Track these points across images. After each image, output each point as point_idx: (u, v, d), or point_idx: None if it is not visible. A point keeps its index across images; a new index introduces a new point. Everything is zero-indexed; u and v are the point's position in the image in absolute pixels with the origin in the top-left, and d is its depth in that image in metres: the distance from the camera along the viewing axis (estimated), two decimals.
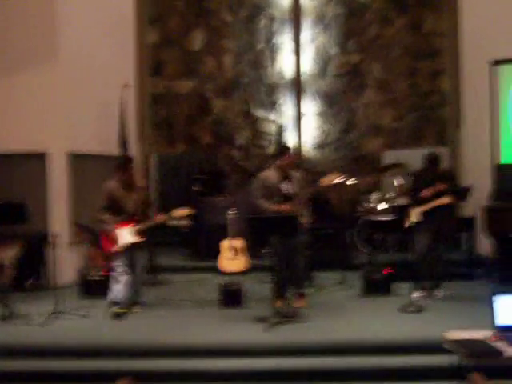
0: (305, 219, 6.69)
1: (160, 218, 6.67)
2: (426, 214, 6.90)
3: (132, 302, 6.79)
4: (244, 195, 10.07)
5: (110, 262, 8.51)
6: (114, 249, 6.59)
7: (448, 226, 7.02)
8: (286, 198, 6.64)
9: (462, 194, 7.05)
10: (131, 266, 6.72)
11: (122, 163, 6.76)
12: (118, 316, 6.51)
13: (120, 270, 6.64)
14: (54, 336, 5.84)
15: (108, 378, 4.88)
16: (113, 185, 6.73)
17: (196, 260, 9.46)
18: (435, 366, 5.02)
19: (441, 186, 6.85)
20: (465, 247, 8.91)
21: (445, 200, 6.78)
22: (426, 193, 6.89)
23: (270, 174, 6.77)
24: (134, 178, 6.80)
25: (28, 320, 6.29)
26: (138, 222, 6.62)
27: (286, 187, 6.69)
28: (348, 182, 7.28)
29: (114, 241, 6.57)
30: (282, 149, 7.00)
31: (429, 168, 7.08)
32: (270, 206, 6.59)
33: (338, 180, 6.69)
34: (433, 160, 7.05)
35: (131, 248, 6.63)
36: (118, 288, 6.65)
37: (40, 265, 8.15)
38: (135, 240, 6.59)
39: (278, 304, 6.56)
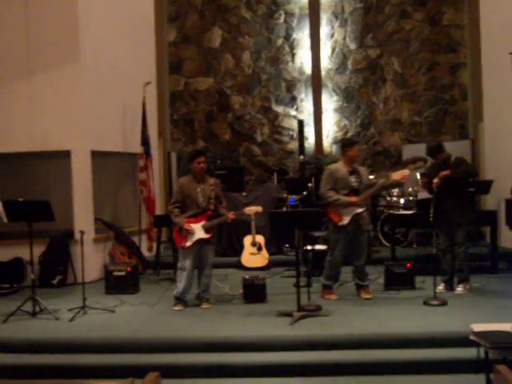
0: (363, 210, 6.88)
1: (231, 215, 6.71)
2: (439, 206, 6.82)
3: (200, 298, 6.85)
4: (265, 191, 10.14)
5: (133, 258, 8.69)
6: (184, 244, 6.65)
7: (462, 219, 6.97)
8: (353, 190, 6.79)
9: (461, 178, 6.97)
10: (200, 262, 6.78)
11: (192, 156, 6.77)
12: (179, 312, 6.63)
13: (187, 265, 6.68)
14: (82, 331, 5.92)
15: (135, 372, 4.94)
16: (185, 179, 6.84)
17: (218, 255, 9.51)
18: (461, 358, 5.02)
19: (443, 173, 6.83)
20: (488, 240, 8.89)
21: (436, 185, 6.77)
22: (434, 182, 6.88)
23: (340, 167, 6.89)
24: (205, 170, 6.80)
25: (56, 316, 6.38)
26: (209, 217, 6.68)
27: (354, 180, 6.83)
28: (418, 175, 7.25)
29: (184, 236, 6.63)
30: (349, 142, 7.10)
31: (433, 158, 7.09)
32: (341, 198, 6.73)
33: (408, 174, 6.80)
34: (430, 150, 7.05)
35: (201, 244, 6.68)
36: (182, 284, 6.70)
37: (66, 261, 8.27)
38: (204, 236, 6.64)
39: (333, 296, 6.91)
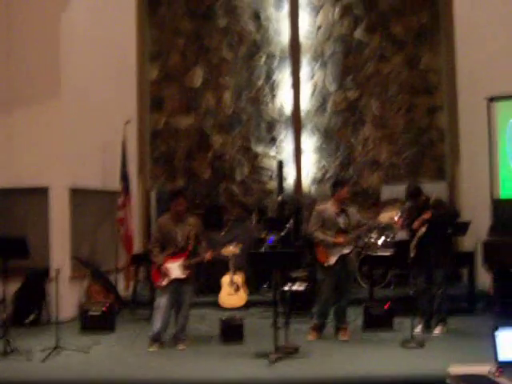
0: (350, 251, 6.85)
1: (208, 255, 6.68)
2: (419, 248, 6.88)
3: (177, 338, 6.75)
4: (244, 230, 10.12)
5: (110, 297, 8.57)
6: (162, 282, 6.59)
7: (442, 260, 7.01)
8: (341, 231, 6.77)
9: (443, 220, 7.04)
10: (178, 302, 6.71)
11: (172, 195, 6.82)
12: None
13: (163, 304, 6.60)
14: (55, 372, 5.80)
15: None
16: (164, 218, 6.86)
17: (195, 295, 9.43)
18: None
19: (426, 215, 6.89)
20: (465, 282, 8.92)
21: (421, 231, 6.82)
22: (415, 225, 6.94)
23: (328, 207, 6.89)
24: (184, 211, 6.79)
25: (28, 356, 6.24)
26: (188, 256, 6.65)
27: (342, 220, 6.81)
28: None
29: (162, 274, 6.58)
30: (339, 182, 7.10)
31: (412, 201, 7.16)
32: (326, 238, 6.71)
33: (396, 217, 6.80)
34: (410, 194, 7.11)
35: (179, 283, 6.63)
36: (158, 324, 6.61)
37: (41, 300, 8.12)
38: (183, 275, 6.60)
39: (312, 337, 6.86)
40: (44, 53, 8.41)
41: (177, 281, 6.60)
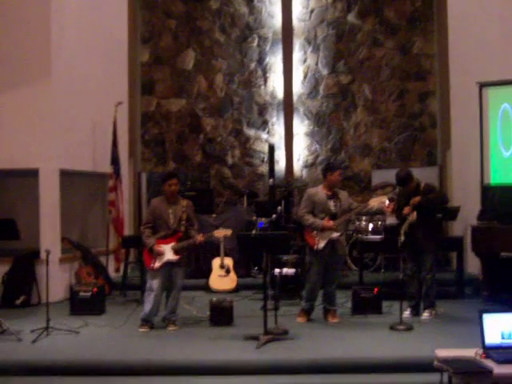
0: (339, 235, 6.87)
1: (200, 238, 6.69)
2: (408, 233, 6.92)
3: (167, 320, 6.78)
4: (235, 213, 10.13)
5: (100, 278, 8.59)
6: (153, 265, 6.61)
7: (430, 245, 7.06)
8: (331, 215, 6.77)
9: (433, 205, 7.10)
10: (169, 284, 6.74)
11: (165, 178, 6.77)
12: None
13: (155, 286, 6.63)
14: (45, 353, 5.81)
15: None
16: (157, 199, 6.84)
17: (186, 277, 9.44)
18: None
19: (415, 200, 6.93)
20: (454, 266, 8.98)
21: (412, 217, 6.86)
22: (405, 210, 6.97)
23: (319, 190, 6.90)
24: (177, 192, 6.81)
25: (18, 337, 6.25)
26: (180, 239, 6.66)
27: (333, 204, 6.81)
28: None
29: (155, 256, 6.59)
30: (332, 166, 7.09)
31: (403, 186, 7.18)
32: (316, 222, 6.72)
33: (387, 201, 6.82)
34: (401, 180, 7.14)
35: (170, 265, 6.65)
36: (149, 305, 6.64)
37: (31, 281, 8.12)
38: (173, 257, 6.62)
39: (301, 320, 6.90)
40: (35, 34, 8.33)
41: (169, 263, 6.62)
